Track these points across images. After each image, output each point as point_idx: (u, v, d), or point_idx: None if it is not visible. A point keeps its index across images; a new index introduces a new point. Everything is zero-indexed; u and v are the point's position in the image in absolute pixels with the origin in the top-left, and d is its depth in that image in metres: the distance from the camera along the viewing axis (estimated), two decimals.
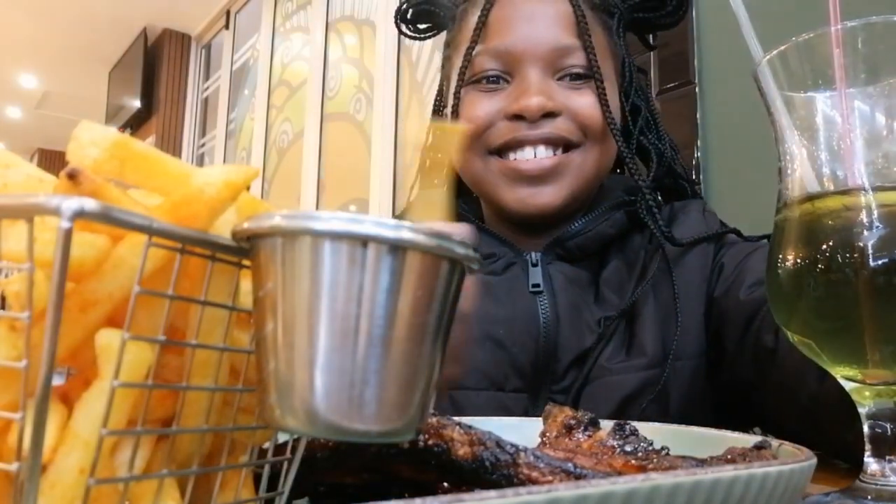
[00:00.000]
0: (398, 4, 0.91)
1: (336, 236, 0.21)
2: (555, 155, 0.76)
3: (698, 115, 1.58)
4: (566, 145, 0.77)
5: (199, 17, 4.96)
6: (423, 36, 0.93)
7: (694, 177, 1.32)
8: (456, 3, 0.89)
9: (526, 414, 0.71)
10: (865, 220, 0.37)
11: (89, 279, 0.22)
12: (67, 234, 0.19)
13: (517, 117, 0.76)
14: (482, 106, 0.78)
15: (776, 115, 0.42)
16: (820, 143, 0.41)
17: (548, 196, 0.76)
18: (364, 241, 0.21)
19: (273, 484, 0.28)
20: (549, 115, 0.76)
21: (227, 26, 4.77)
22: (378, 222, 0.21)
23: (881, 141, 0.39)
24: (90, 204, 0.19)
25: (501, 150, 0.77)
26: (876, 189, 0.38)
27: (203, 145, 4.99)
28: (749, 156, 1.39)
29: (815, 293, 0.39)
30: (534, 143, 0.76)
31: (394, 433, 0.22)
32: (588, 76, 0.78)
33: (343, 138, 3.44)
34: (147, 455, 0.23)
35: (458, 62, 0.81)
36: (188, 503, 0.24)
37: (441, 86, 0.91)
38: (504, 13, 0.79)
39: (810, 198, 0.40)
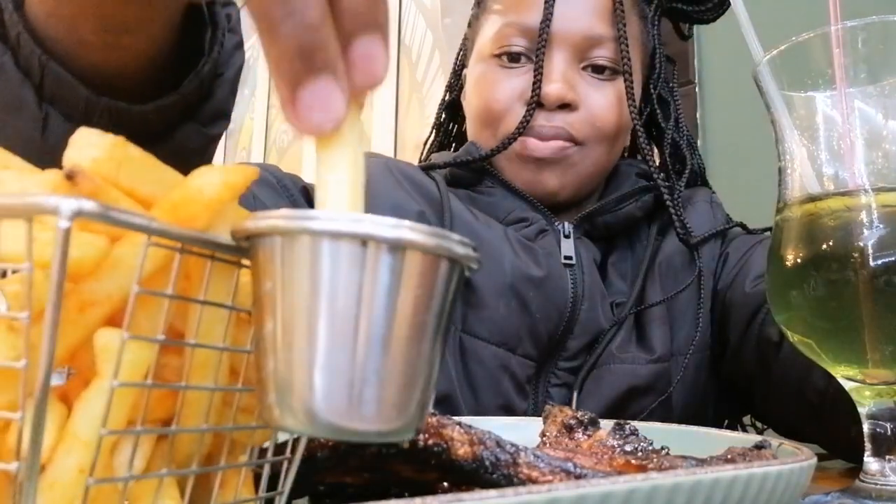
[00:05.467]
0: None
1: (335, 236, 0.21)
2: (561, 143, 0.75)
3: (698, 115, 1.57)
4: (571, 142, 0.76)
5: None
6: None
7: None
8: None
9: (528, 382, 0.71)
10: (866, 220, 0.37)
11: (88, 279, 0.22)
12: (66, 234, 0.19)
13: (535, 103, 0.74)
14: (501, 87, 0.77)
15: (776, 115, 0.42)
16: (820, 143, 0.41)
17: (551, 183, 0.76)
18: (363, 240, 0.21)
19: (273, 484, 0.28)
20: (566, 106, 0.75)
21: None
22: (377, 221, 0.21)
23: (881, 141, 0.39)
24: (89, 204, 0.19)
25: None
26: (876, 190, 0.38)
27: None
28: (749, 156, 1.39)
29: (815, 293, 0.39)
30: (546, 139, 0.75)
31: (393, 433, 0.22)
32: (614, 70, 0.77)
33: None
34: (146, 455, 0.23)
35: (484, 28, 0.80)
36: (188, 503, 0.24)
37: (463, 45, 0.90)
38: None
39: (810, 198, 0.40)
